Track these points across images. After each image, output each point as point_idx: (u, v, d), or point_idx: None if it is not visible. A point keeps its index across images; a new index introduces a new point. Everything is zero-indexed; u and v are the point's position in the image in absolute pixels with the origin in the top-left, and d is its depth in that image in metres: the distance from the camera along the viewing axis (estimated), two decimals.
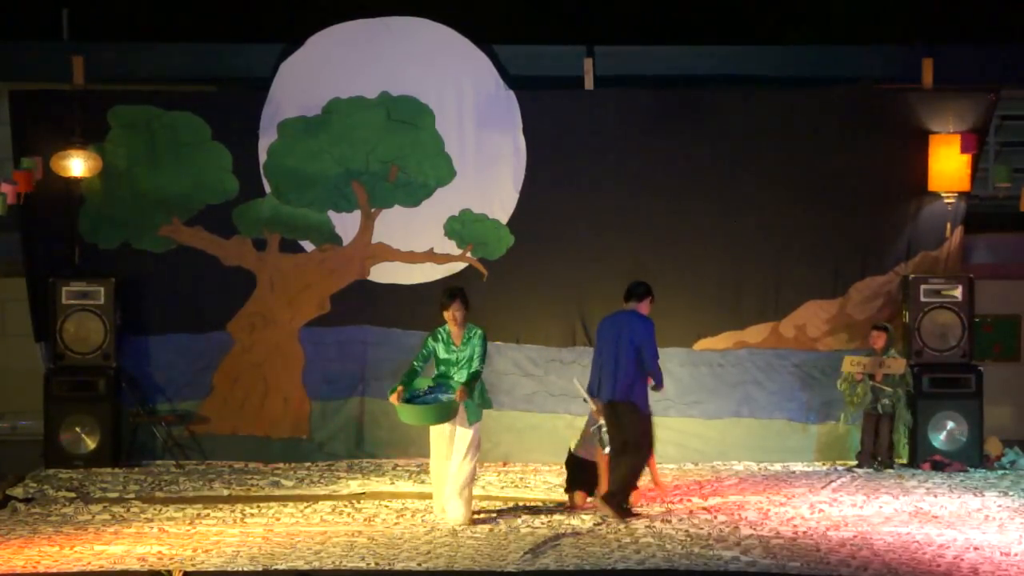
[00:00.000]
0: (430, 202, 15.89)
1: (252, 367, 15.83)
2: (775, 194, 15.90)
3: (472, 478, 12.60)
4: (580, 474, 13.32)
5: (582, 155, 15.93)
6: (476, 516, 12.69)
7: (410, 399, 12.49)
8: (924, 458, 15.28)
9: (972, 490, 13.97)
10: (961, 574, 10.60)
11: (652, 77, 16.22)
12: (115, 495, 13.78)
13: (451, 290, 12.81)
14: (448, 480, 12.54)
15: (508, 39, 16.30)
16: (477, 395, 12.55)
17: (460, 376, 12.53)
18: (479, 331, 12.63)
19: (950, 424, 15.43)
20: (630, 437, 12.74)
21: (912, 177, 15.81)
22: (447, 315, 12.62)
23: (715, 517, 12.68)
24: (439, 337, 12.65)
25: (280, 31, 16.70)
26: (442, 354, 12.62)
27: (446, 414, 12.39)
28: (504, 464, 15.60)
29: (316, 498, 13.69)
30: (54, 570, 10.78)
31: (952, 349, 15.57)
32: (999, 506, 13.18)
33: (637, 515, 12.69)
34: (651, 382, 12.86)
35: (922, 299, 15.55)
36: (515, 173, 15.90)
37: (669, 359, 15.83)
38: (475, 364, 12.54)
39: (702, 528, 12.20)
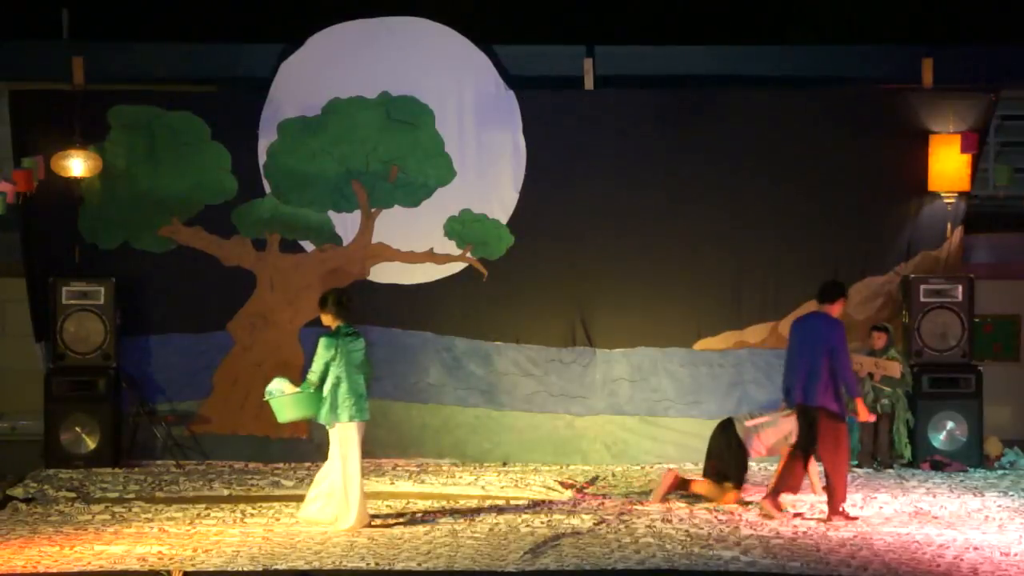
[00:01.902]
0: (430, 202, 15.88)
1: (252, 367, 15.82)
2: (775, 194, 15.90)
3: (348, 480, 12.13)
4: (730, 452, 13.29)
5: (582, 155, 15.92)
6: (475, 516, 12.72)
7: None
8: (924, 458, 15.29)
9: (972, 490, 13.97)
10: (961, 574, 10.60)
11: (652, 77, 16.21)
12: (115, 495, 13.78)
13: None
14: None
15: (508, 39, 16.28)
16: (324, 401, 12.09)
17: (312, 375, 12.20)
18: (322, 337, 12.21)
19: (950, 424, 15.43)
20: (818, 441, 12.55)
21: (912, 177, 15.81)
22: None
23: (715, 517, 12.69)
24: None
25: (280, 31, 16.67)
26: None
27: (299, 404, 12.13)
28: (504, 464, 15.59)
29: None
30: (54, 570, 10.77)
31: (952, 349, 15.57)
32: (999, 506, 13.18)
33: (852, 518, 12.50)
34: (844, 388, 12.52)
35: (922, 299, 15.56)
36: (515, 173, 15.90)
37: (669, 359, 15.89)
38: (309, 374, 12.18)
39: (702, 528, 12.20)
